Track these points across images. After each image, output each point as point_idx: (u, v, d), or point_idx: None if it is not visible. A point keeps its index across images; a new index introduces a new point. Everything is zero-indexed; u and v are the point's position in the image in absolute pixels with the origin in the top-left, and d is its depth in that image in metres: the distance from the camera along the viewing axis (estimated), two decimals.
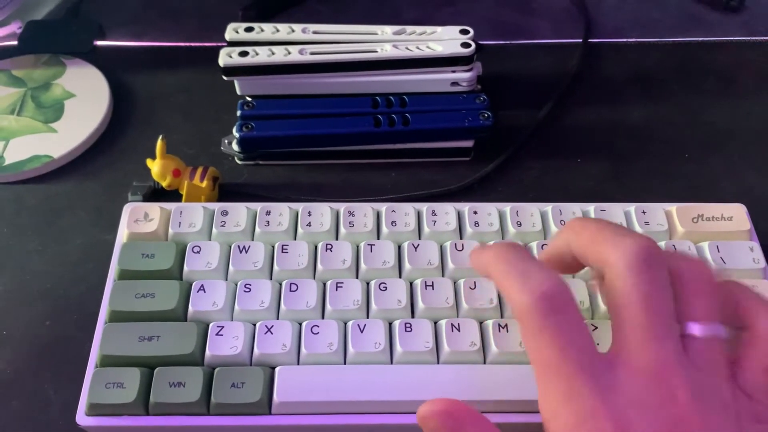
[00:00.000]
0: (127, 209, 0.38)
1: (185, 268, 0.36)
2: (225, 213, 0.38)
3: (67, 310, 0.39)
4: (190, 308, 0.35)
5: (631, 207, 0.39)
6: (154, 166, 0.43)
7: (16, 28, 0.55)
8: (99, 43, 0.55)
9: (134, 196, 0.43)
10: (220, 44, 0.48)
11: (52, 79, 0.51)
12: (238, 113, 0.45)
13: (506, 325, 0.34)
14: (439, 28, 0.48)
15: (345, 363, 0.33)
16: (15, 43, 0.54)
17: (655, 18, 0.57)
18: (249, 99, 0.47)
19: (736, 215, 0.39)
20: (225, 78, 0.47)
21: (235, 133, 0.44)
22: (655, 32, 0.56)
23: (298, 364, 0.33)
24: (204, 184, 0.42)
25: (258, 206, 0.38)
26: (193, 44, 0.55)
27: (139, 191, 0.43)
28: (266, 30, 0.48)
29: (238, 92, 0.48)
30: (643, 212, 0.39)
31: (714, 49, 0.54)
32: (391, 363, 0.33)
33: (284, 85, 0.47)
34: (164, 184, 0.43)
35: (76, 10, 0.57)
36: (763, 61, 0.54)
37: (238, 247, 0.36)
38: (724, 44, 0.55)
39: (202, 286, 0.35)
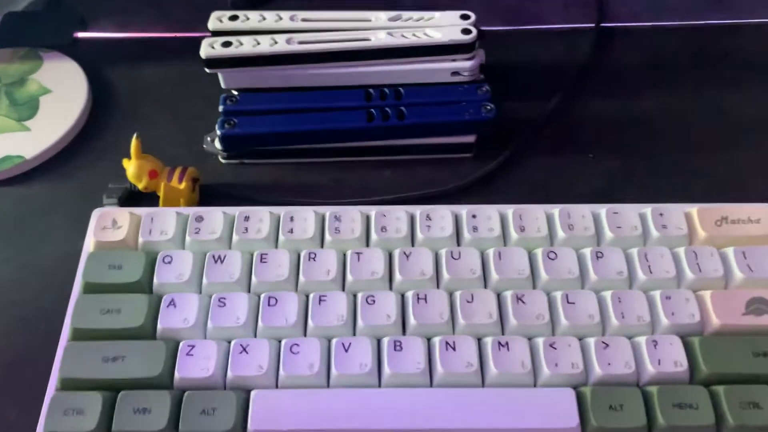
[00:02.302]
0: (95, 215, 0.36)
1: (155, 280, 0.33)
2: (200, 219, 0.35)
3: (34, 325, 0.36)
4: (159, 325, 0.32)
5: (647, 209, 0.35)
6: (129, 167, 0.40)
7: None
8: (80, 35, 0.52)
9: (109, 199, 0.40)
10: (206, 34, 0.45)
11: (28, 74, 0.48)
12: (221, 108, 0.42)
13: (507, 343, 0.31)
14: (437, 14, 0.44)
15: (328, 386, 0.30)
16: None
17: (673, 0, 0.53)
18: (234, 93, 0.44)
19: (764, 217, 0.35)
20: (208, 70, 0.44)
21: (217, 131, 0.41)
22: (673, 15, 0.52)
23: (276, 387, 0.30)
24: (182, 185, 0.39)
25: (236, 211, 0.35)
26: (178, 35, 0.52)
27: (115, 194, 0.41)
28: (252, 18, 0.45)
29: (223, 85, 0.45)
30: (661, 214, 0.35)
31: (736, 32, 0.50)
32: (379, 386, 0.30)
33: (271, 77, 0.44)
34: (140, 186, 0.40)
35: (57, 0, 0.55)
36: None
37: (213, 256, 0.33)
38: (746, 27, 0.51)
39: (173, 300, 0.32)
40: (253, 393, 0.30)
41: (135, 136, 0.39)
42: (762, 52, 0.49)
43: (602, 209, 0.35)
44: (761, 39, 0.50)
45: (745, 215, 0.35)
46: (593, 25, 0.51)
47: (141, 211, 0.36)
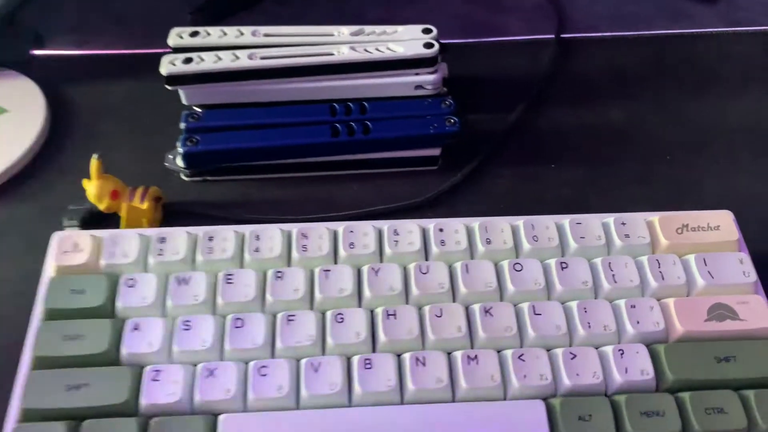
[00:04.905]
0: (55, 239, 0.35)
1: (118, 304, 0.32)
2: (162, 240, 0.34)
3: None
4: (123, 350, 0.31)
5: (610, 218, 0.36)
6: (90, 188, 0.39)
7: None
8: (36, 52, 0.51)
9: (70, 222, 0.39)
10: (167, 50, 0.44)
11: None
12: (182, 126, 0.41)
13: (476, 357, 0.31)
14: (400, 28, 0.45)
15: (298, 407, 0.30)
16: None
17: (631, 10, 0.54)
18: (197, 109, 0.43)
19: (723, 224, 0.36)
20: (169, 87, 0.43)
21: (179, 148, 0.40)
22: (632, 25, 0.53)
23: (245, 410, 0.30)
24: (145, 205, 0.39)
25: (200, 231, 0.35)
26: (138, 51, 0.51)
27: (75, 216, 0.40)
28: (213, 34, 0.45)
29: (184, 102, 0.44)
30: (623, 224, 0.35)
31: (694, 42, 0.52)
32: (350, 405, 0.30)
33: (233, 93, 0.43)
34: (101, 207, 0.39)
35: (11, 17, 0.53)
36: (747, 53, 0.51)
37: (177, 278, 0.33)
38: (704, 36, 0.52)
39: (137, 324, 0.31)
40: (221, 417, 0.29)
41: (95, 156, 0.38)
42: (718, 61, 0.50)
43: (566, 220, 0.35)
44: (717, 48, 0.51)
45: (704, 222, 0.35)
46: (553, 36, 0.51)
47: (102, 233, 0.35)
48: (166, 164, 0.42)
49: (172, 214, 0.41)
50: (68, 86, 0.48)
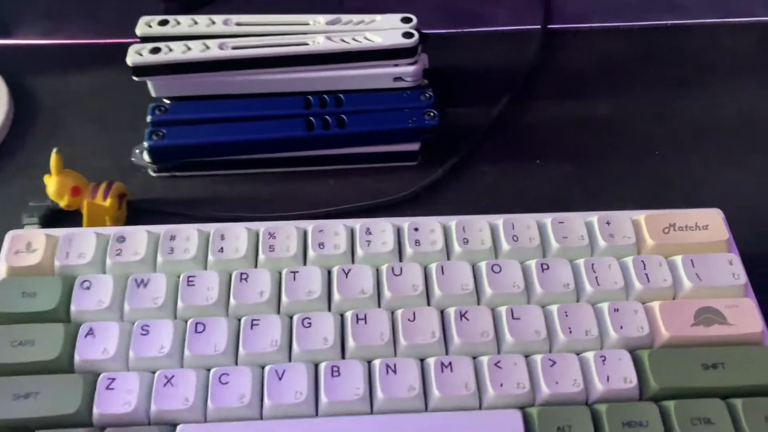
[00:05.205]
0: (8, 237, 0.33)
1: (72, 307, 0.30)
2: (121, 239, 0.32)
3: None
4: (77, 357, 0.29)
5: (594, 217, 0.34)
6: (50, 184, 0.37)
7: None
8: (1, 41, 0.49)
9: (30, 219, 0.38)
10: (136, 40, 0.42)
11: None
12: (149, 119, 0.40)
13: (450, 364, 0.29)
14: (378, 17, 0.43)
15: (261, 418, 0.28)
16: None
17: (621, 1, 0.52)
18: (166, 101, 0.41)
19: (712, 223, 0.34)
20: (136, 78, 0.41)
21: (144, 142, 0.39)
22: (622, 16, 0.51)
23: (205, 421, 0.28)
24: (107, 202, 0.37)
25: (161, 230, 0.33)
26: (108, 41, 0.49)
27: (36, 213, 0.38)
28: (183, 23, 0.43)
29: (153, 94, 0.42)
30: (608, 223, 0.34)
31: (687, 34, 0.50)
32: (316, 415, 0.28)
33: (203, 84, 0.41)
34: (62, 204, 0.37)
35: None
36: (741, 45, 0.49)
37: (135, 280, 0.31)
38: (697, 27, 0.50)
39: (91, 329, 0.30)
40: (179, 428, 0.28)
41: (55, 150, 0.36)
42: (710, 53, 0.48)
43: (547, 219, 0.34)
44: (709, 40, 0.49)
45: (692, 221, 0.34)
46: (540, 26, 0.50)
47: (58, 232, 0.33)
48: (133, 159, 0.41)
49: (137, 211, 0.39)
50: (33, 77, 0.46)
